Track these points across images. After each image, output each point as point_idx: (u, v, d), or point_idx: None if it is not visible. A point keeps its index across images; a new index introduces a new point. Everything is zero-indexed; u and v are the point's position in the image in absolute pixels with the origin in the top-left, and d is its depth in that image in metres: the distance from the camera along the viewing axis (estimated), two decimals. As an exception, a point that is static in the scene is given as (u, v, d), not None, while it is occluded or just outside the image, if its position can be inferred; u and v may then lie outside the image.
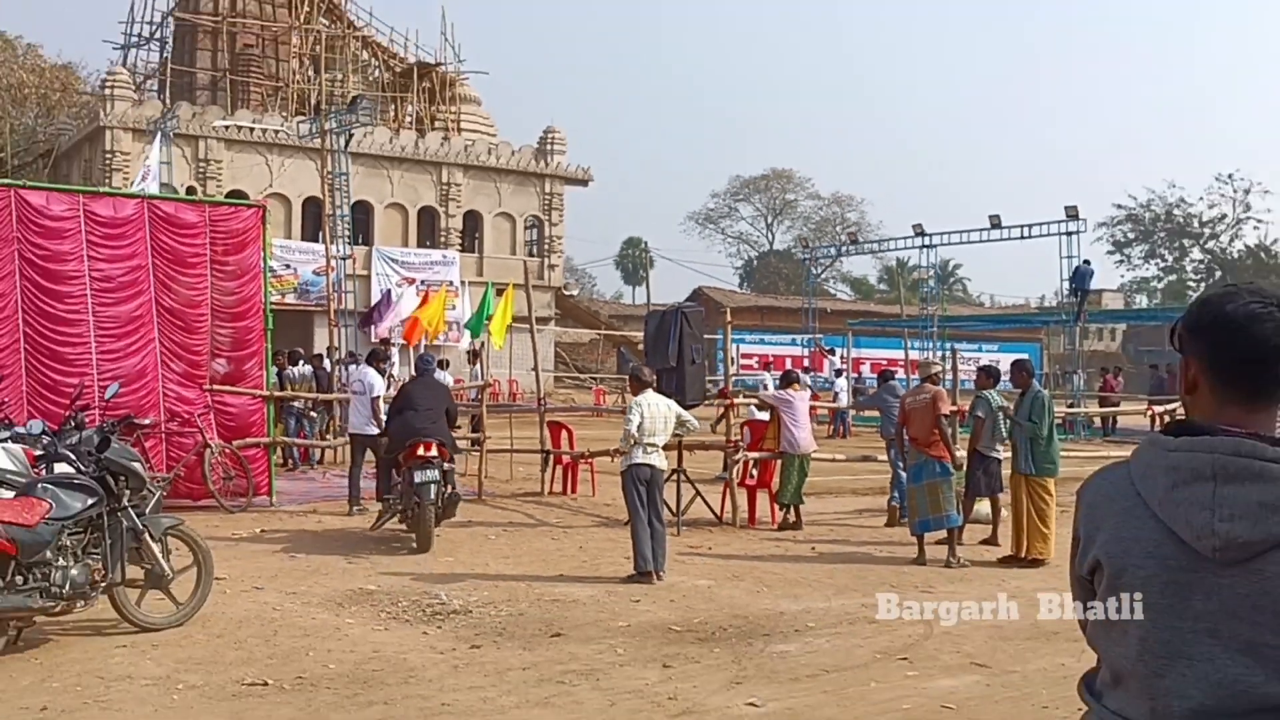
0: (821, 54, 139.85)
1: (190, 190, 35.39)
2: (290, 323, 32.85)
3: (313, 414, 19.34)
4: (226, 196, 32.53)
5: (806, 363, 35.61)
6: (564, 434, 16.06)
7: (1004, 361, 37.93)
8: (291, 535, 11.82)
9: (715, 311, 33.32)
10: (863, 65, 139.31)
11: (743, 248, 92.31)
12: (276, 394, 15.09)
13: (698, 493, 13.08)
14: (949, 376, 14.99)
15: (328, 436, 18.86)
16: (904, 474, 12.17)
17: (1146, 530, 1.96)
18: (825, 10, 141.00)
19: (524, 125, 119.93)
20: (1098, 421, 27.63)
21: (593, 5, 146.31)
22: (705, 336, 16.43)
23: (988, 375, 11.94)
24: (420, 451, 11.22)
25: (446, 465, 11.49)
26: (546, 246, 46.05)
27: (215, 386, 13.38)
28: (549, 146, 45.92)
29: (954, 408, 13.00)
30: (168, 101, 40.53)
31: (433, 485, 11.10)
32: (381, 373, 14.47)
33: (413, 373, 13.10)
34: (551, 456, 15.71)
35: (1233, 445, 1.91)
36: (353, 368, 16.09)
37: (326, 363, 21.68)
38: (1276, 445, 1.90)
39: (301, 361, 20.39)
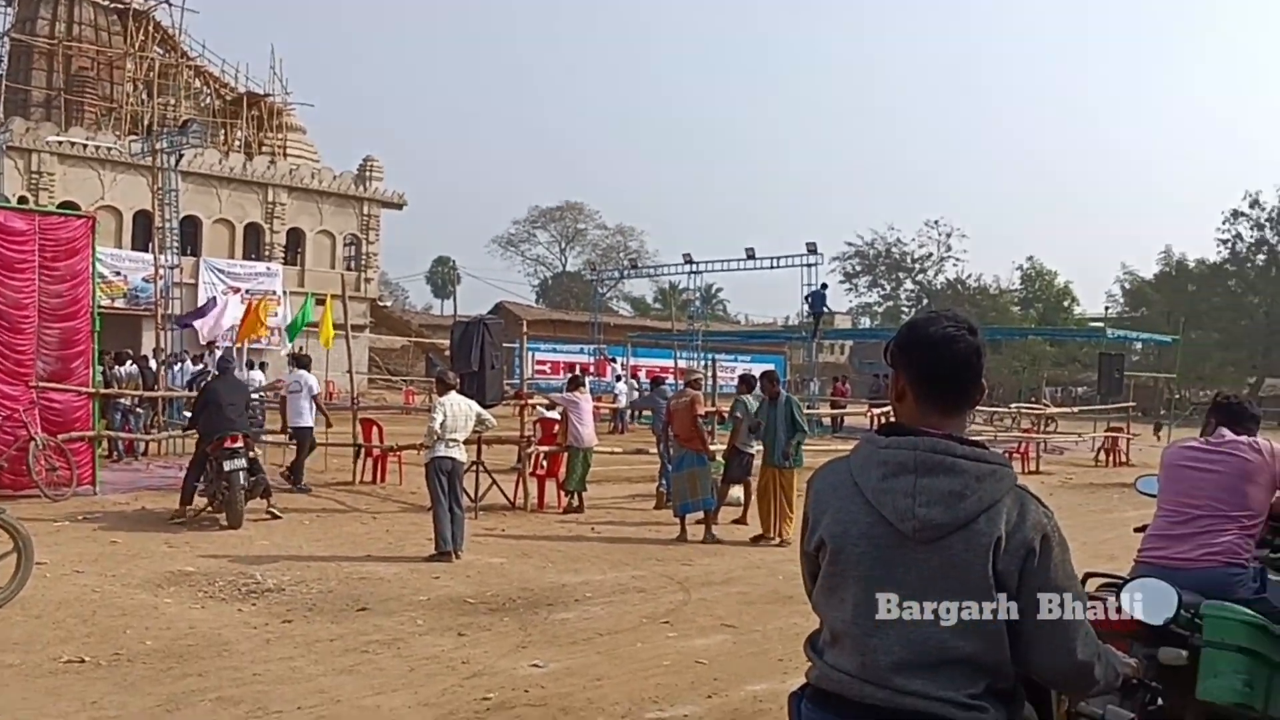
0: (612, 98, 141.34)
1: (22, 200, 32.66)
2: (119, 325, 30.77)
3: (138, 410, 18.15)
4: (59, 207, 30.20)
5: (592, 369, 35.80)
6: (375, 429, 15.61)
7: (756, 371, 39.24)
8: (115, 522, 11.04)
9: (514, 323, 33.06)
10: (646, 110, 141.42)
11: (539, 269, 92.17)
12: (102, 391, 14.09)
13: (494, 481, 12.93)
14: (710, 383, 15.31)
15: (152, 431, 17.72)
16: (670, 464, 12.40)
17: (862, 514, 2.04)
18: (614, 58, 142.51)
19: (347, 153, 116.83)
20: (828, 420, 28.83)
21: (414, 50, 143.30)
22: (504, 345, 16.31)
23: (745, 383, 12.20)
24: (228, 444, 11.00)
25: (251, 453, 11.35)
26: (364, 262, 44.70)
27: (42, 384, 12.38)
28: (368, 173, 44.63)
29: (710, 409, 13.31)
30: (1, 116, 37.35)
31: (241, 472, 10.97)
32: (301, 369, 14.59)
33: (214, 371, 12.80)
34: (363, 449, 15.25)
35: (931, 444, 2.01)
36: (291, 370, 15.19)
37: (152, 363, 20.41)
38: (966, 444, 2.02)
39: (129, 361, 19.08)
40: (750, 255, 33.40)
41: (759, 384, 11.59)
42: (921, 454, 2.00)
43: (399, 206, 45.90)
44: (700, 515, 11.28)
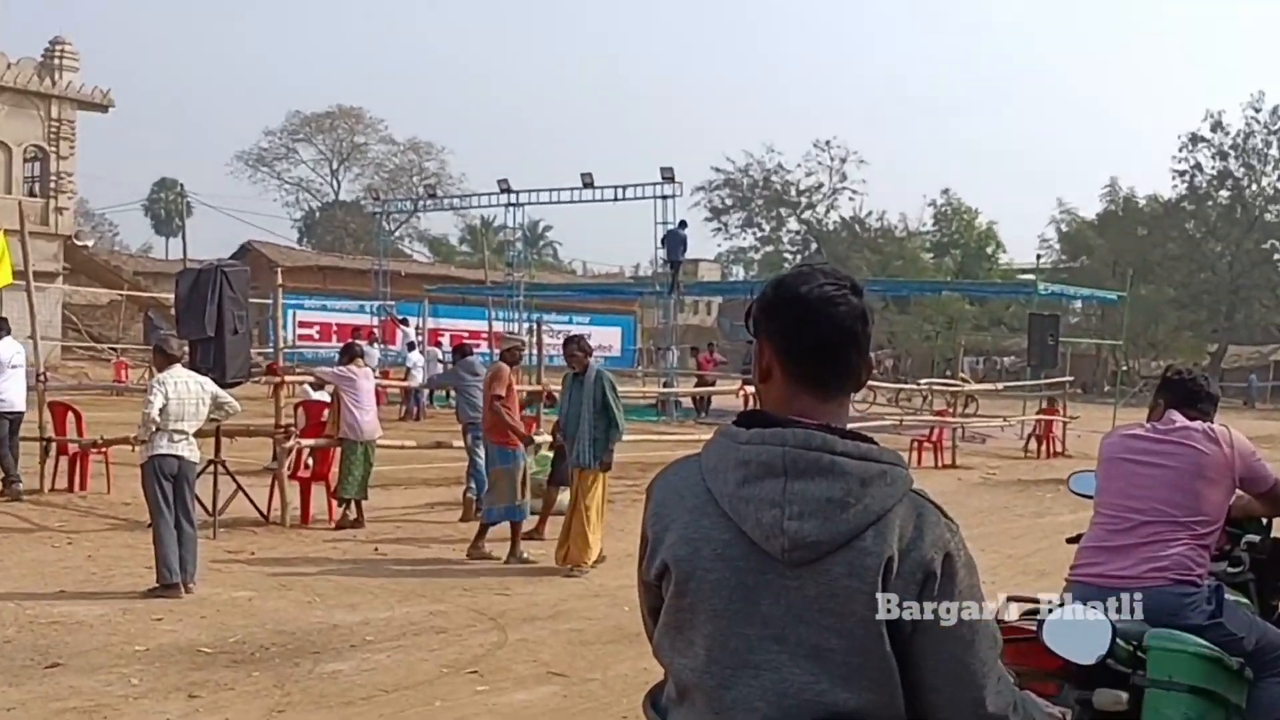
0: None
1: None
2: None
3: None
4: None
5: (376, 333, 35.32)
6: (71, 417, 15.02)
7: (597, 336, 38.94)
8: None
9: (267, 270, 32.27)
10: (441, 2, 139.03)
11: (303, 196, 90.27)
12: None
13: (239, 487, 12.65)
14: (534, 353, 15.35)
15: None
16: (482, 461, 12.42)
17: (716, 530, 2.05)
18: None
19: (26, 36, 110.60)
20: (689, 402, 29.30)
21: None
22: (253, 300, 15.91)
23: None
24: None
25: None
26: (53, 184, 42.75)
27: None
28: (57, 61, 42.59)
29: (537, 387, 13.34)
30: None
31: None
32: None
33: None
34: (54, 445, 14.65)
35: (804, 438, 2.03)
36: None
37: None
38: (849, 438, 2.04)
39: None
40: (588, 184, 33.30)
41: (564, 352, 11.46)
42: (792, 451, 2.02)
43: (103, 108, 44.07)
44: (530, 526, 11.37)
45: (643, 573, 2.19)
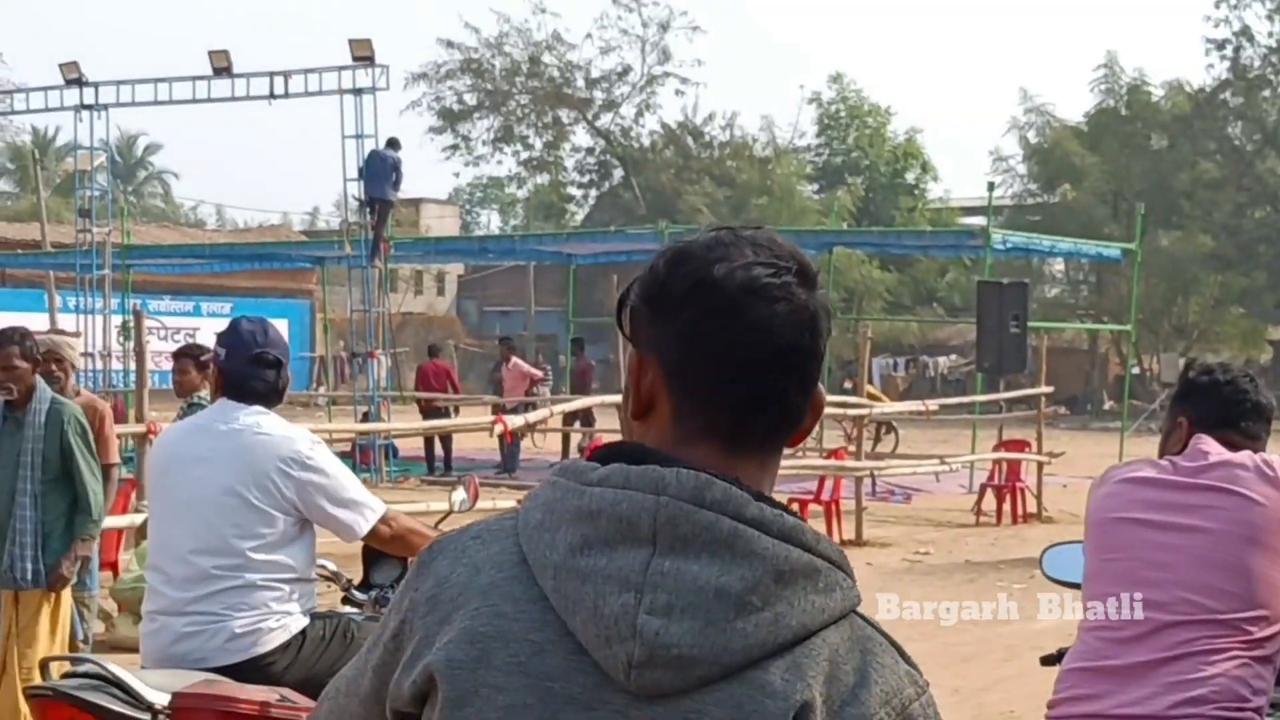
0: None
1: None
2: None
3: None
4: None
5: None
6: None
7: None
8: None
9: None
10: None
11: None
12: None
13: None
14: (136, 363, 12.09)
15: None
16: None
17: (522, 623, 1.45)
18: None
19: None
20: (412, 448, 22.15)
21: None
22: None
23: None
24: None
25: None
26: None
27: None
28: None
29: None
30: None
31: None
32: None
33: None
34: None
35: (694, 486, 1.45)
36: None
37: None
38: (770, 505, 1.47)
39: None
40: (222, 70, 22.81)
41: None
42: (672, 504, 1.42)
43: None
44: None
45: (382, 681, 1.50)
